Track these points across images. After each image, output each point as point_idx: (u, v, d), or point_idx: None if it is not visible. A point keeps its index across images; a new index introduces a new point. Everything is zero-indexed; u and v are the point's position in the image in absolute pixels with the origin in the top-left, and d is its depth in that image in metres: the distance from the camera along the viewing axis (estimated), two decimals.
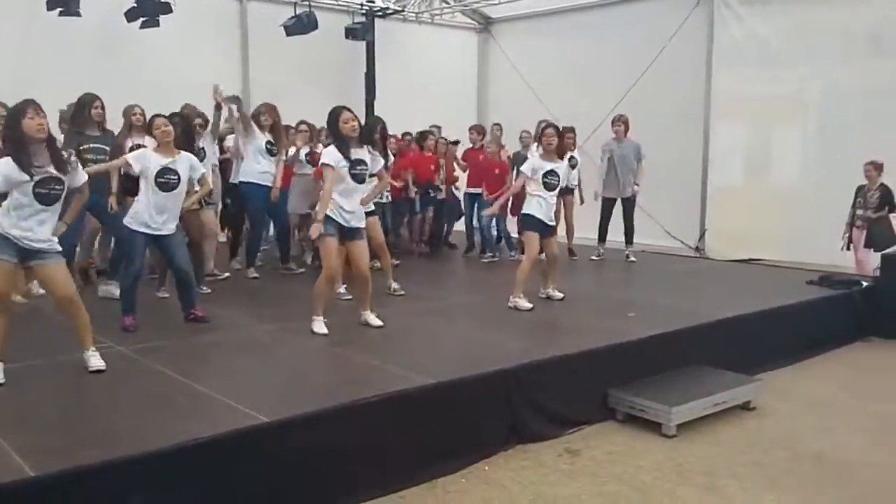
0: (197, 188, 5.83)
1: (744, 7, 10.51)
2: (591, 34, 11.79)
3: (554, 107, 11.03)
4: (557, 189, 6.61)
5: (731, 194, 10.83)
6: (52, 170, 4.24)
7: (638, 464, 4.48)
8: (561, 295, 6.87)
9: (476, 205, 9.70)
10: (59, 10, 8.73)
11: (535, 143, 8.95)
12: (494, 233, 9.75)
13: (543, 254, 6.69)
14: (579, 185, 9.42)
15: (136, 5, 9.29)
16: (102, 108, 6.48)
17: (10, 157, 4.13)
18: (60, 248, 4.44)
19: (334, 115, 5.49)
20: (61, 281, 4.41)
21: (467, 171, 9.90)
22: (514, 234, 10.44)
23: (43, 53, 8.90)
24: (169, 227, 5.59)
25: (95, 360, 4.54)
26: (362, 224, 5.66)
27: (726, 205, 10.76)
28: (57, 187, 4.28)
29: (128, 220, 5.56)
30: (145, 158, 5.52)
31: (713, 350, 5.85)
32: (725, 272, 9.22)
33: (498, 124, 10.44)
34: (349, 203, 5.48)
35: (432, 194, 9.58)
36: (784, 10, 10.11)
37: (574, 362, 5.05)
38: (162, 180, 5.48)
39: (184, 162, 5.61)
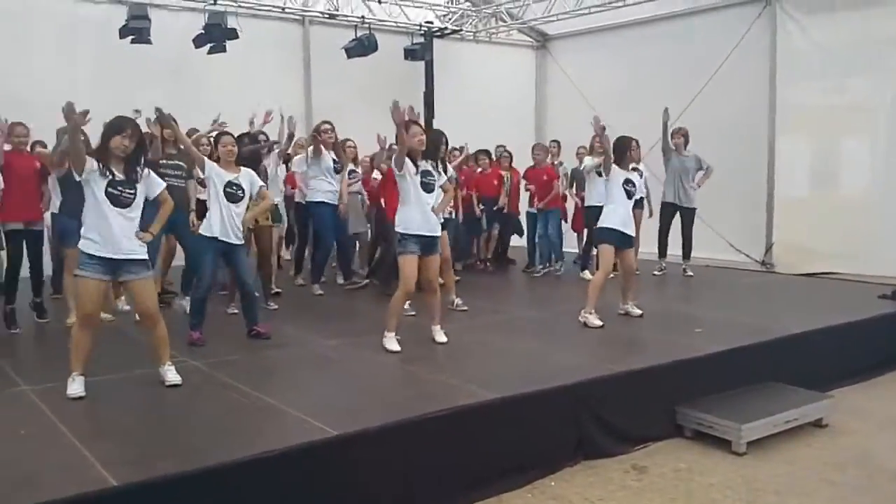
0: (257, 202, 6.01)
1: (807, 17, 10.32)
2: (650, 48, 11.73)
3: (612, 122, 10.93)
4: (633, 199, 6.58)
5: (798, 206, 10.59)
6: (123, 176, 4.49)
7: (708, 481, 4.41)
8: (640, 312, 6.76)
9: (539, 221, 9.64)
10: (131, 38, 9.09)
11: (588, 155, 9.00)
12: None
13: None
14: (647, 197, 9.31)
15: (203, 32, 9.61)
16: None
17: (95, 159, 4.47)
18: (150, 267, 4.67)
19: (406, 127, 5.59)
20: (149, 295, 4.64)
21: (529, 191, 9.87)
22: (571, 249, 10.45)
23: (116, 80, 9.26)
24: (238, 238, 5.79)
25: (172, 375, 4.70)
26: (437, 233, 5.70)
27: (794, 217, 10.52)
28: (128, 191, 4.48)
29: (202, 230, 5.81)
30: (213, 169, 5.80)
31: (783, 366, 5.72)
32: (793, 286, 9.01)
33: (556, 141, 10.43)
34: (423, 215, 5.57)
35: (494, 208, 9.60)
36: (849, 19, 9.90)
37: (641, 378, 5.00)
38: (230, 191, 5.74)
39: (245, 177, 5.87)
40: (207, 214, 5.85)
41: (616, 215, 6.46)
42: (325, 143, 7.75)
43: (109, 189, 4.42)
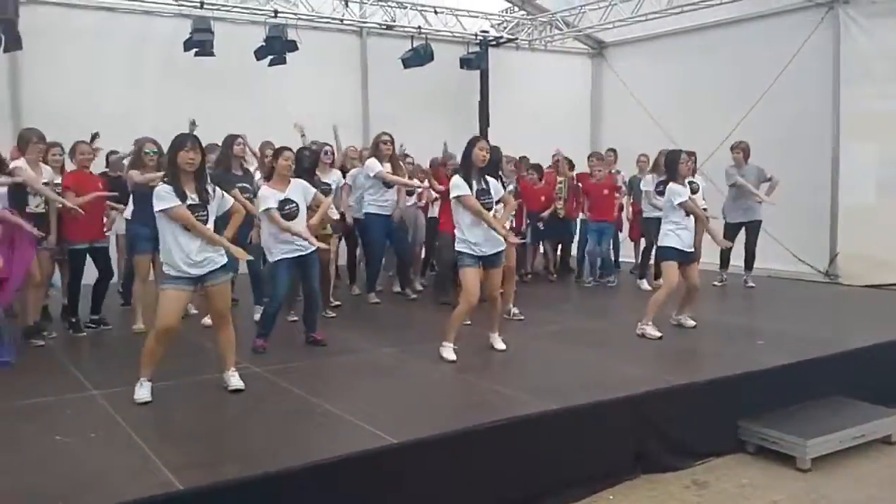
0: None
1: (872, 21, 10.02)
2: (709, 54, 11.53)
3: (670, 130, 10.85)
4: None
5: (864, 216, 10.26)
6: (196, 198, 4.58)
7: (771, 498, 4.32)
8: (693, 323, 6.68)
9: (592, 234, 9.55)
10: (195, 50, 9.33)
11: (650, 173, 8.88)
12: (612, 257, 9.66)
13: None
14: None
15: (264, 44, 9.82)
16: (243, 145, 6.90)
17: (168, 184, 4.55)
18: (231, 270, 4.82)
19: (472, 142, 5.64)
20: (223, 298, 4.78)
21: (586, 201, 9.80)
22: (628, 259, 10.33)
23: (180, 91, 9.51)
24: (304, 247, 5.84)
25: (235, 380, 4.81)
26: (498, 248, 5.69)
27: (860, 227, 10.19)
28: (201, 214, 4.59)
29: (271, 255, 5.88)
30: (266, 198, 5.79)
31: (849, 381, 5.56)
32: (859, 298, 8.76)
33: (612, 150, 10.36)
34: (476, 233, 5.56)
35: (542, 227, 9.54)
36: None
37: (702, 391, 4.92)
38: (285, 211, 5.77)
39: (297, 189, 5.87)
40: (270, 235, 5.86)
41: (675, 235, 6.37)
42: (381, 155, 7.82)
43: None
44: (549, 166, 9.83)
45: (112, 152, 7.64)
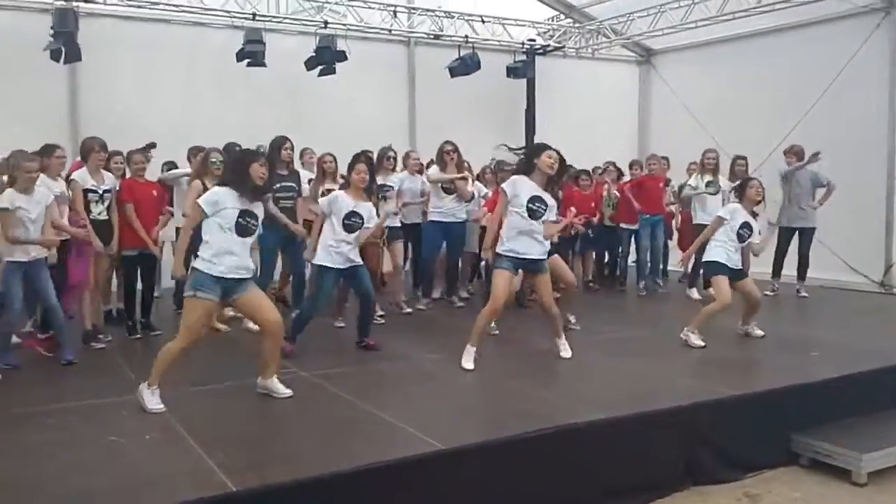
0: (369, 225, 6.10)
1: None
2: (760, 61, 11.36)
3: (720, 136, 10.68)
4: (745, 243, 6.41)
5: None
6: (250, 205, 4.66)
7: None
8: (762, 333, 6.58)
9: (642, 232, 9.45)
10: (247, 61, 9.52)
11: (697, 172, 8.81)
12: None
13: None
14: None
15: (314, 55, 9.97)
16: (291, 148, 6.99)
17: (229, 188, 4.61)
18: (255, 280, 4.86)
19: (541, 148, 5.59)
20: (268, 306, 4.81)
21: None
22: (674, 268, 10.19)
23: (232, 101, 9.71)
24: (352, 259, 5.93)
25: (282, 388, 4.85)
26: (541, 256, 5.66)
27: None
28: (252, 222, 4.68)
29: (319, 259, 5.94)
30: (337, 202, 5.91)
31: None
32: None
33: (664, 158, 10.25)
34: (521, 242, 5.55)
35: (591, 234, 9.47)
36: None
37: (754, 402, 4.85)
38: (349, 222, 5.87)
39: (368, 209, 6.00)
40: (322, 240, 5.97)
41: (724, 251, 6.29)
42: (446, 164, 7.92)
43: (240, 220, 4.60)
44: (599, 174, 9.77)
45: (167, 163, 7.82)
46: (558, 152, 5.56)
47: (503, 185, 5.72)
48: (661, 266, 9.66)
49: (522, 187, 5.54)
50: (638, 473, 4.38)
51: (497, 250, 5.64)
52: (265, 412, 4.70)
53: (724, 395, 4.86)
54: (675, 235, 10.30)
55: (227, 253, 4.56)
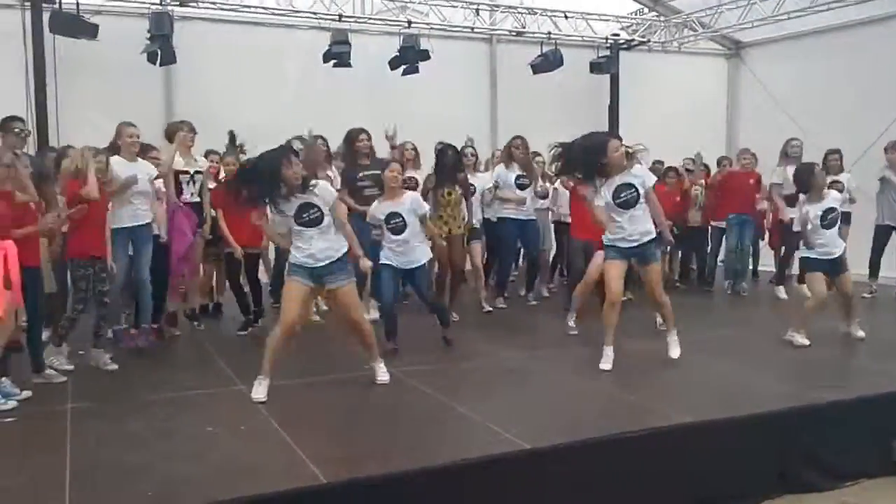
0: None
1: None
2: (857, 53, 10.88)
3: (812, 132, 10.29)
4: (835, 227, 6.17)
5: None
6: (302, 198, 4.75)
7: None
8: (862, 334, 6.35)
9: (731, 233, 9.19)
10: (333, 62, 9.70)
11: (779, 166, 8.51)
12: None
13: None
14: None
15: (398, 54, 10.08)
16: (368, 138, 7.07)
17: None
18: (353, 275, 4.95)
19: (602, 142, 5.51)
20: (352, 303, 4.92)
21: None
22: (766, 267, 9.88)
23: (318, 100, 9.90)
24: (411, 261, 5.95)
25: (382, 373, 5.02)
26: (644, 240, 5.53)
27: None
28: (314, 212, 4.77)
29: (381, 256, 6.02)
30: (375, 213, 5.98)
31: None
32: None
33: (752, 153, 9.96)
34: (627, 224, 5.47)
35: (676, 232, 9.22)
36: None
37: (852, 409, 4.66)
38: (391, 225, 5.91)
39: (405, 204, 5.94)
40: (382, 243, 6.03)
41: (817, 245, 6.10)
42: (515, 158, 7.86)
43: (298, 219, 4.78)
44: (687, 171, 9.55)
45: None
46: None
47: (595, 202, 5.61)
48: (748, 269, 9.36)
49: (605, 191, 5.47)
50: (729, 480, 4.28)
51: (604, 240, 5.60)
52: (354, 406, 4.78)
53: (821, 400, 4.69)
54: (767, 235, 9.91)
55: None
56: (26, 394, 4.78)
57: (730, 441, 4.32)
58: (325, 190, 4.87)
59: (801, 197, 6.29)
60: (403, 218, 5.90)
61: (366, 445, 4.04)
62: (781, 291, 8.60)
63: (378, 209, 5.98)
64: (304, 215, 4.74)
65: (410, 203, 5.96)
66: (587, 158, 5.47)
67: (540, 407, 4.79)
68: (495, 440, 4.00)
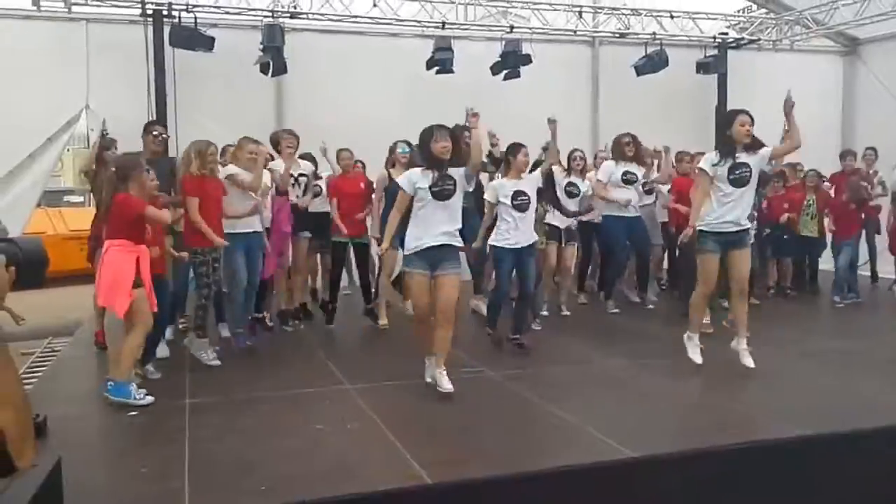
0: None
1: None
2: None
3: None
4: None
5: None
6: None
7: None
8: None
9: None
10: (436, 69, 9.84)
11: None
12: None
13: None
14: None
15: (500, 59, 10.11)
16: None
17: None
18: (459, 265, 5.06)
19: (734, 113, 5.72)
20: (447, 293, 4.96)
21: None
22: (887, 274, 9.39)
23: (421, 106, 10.03)
24: (527, 239, 6.03)
25: (445, 382, 4.95)
26: (744, 225, 5.48)
27: None
28: (448, 184, 4.93)
29: (493, 241, 6.09)
30: (501, 188, 6.06)
31: None
32: None
33: (872, 149, 9.51)
34: (734, 205, 5.41)
35: (786, 237, 8.89)
36: None
37: None
38: (517, 202, 5.96)
39: (532, 181, 6.09)
40: (497, 225, 6.11)
41: None
42: (623, 155, 7.75)
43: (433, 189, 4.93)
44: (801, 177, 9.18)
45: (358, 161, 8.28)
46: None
47: (702, 165, 5.58)
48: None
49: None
50: (846, 498, 4.10)
51: (699, 227, 5.50)
52: (455, 409, 4.84)
53: None
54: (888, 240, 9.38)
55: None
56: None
57: (847, 457, 4.13)
58: None
59: None
60: (529, 197, 6.03)
61: (469, 447, 4.11)
62: None
63: (504, 186, 6.07)
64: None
65: (535, 181, 6.15)
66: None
67: (642, 415, 4.74)
68: (596, 447, 4.01)
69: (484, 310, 6.92)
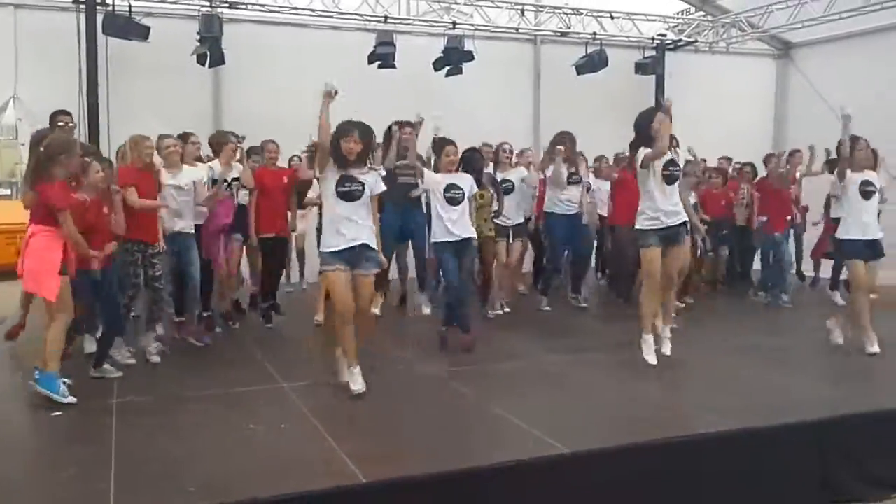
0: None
1: None
2: None
3: (867, 135, 10.03)
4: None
5: None
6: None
7: None
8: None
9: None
10: (378, 63, 9.77)
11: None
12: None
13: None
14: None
15: (442, 55, 10.11)
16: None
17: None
18: (378, 263, 4.99)
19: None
20: (366, 295, 4.94)
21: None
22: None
23: (363, 101, 9.91)
24: (465, 234, 6.07)
25: (355, 382, 4.89)
26: (680, 220, 5.57)
27: None
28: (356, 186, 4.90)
29: (434, 238, 6.14)
30: (433, 181, 6.10)
31: None
32: None
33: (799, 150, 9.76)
34: (664, 202, 5.51)
35: (725, 231, 9.11)
36: None
37: None
38: (449, 195, 6.01)
39: (466, 180, 6.15)
40: (433, 220, 6.17)
41: (855, 224, 5.99)
42: (562, 155, 7.78)
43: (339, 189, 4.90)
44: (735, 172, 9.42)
45: (295, 156, 8.18)
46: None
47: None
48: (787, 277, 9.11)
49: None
50: (770, 489, 4.21)
51: (637, 226, 5.62)
52: (391, 406, 4.82)
53: (867, 409, 4.59)
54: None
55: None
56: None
57: (772, 449, 4.25)
58: None
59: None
60: (463, 192, 6.05)
61: (404, 444, 4.08)
62: (837, 297, 8.37)
63: (436, 179, 6.08)
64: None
65: (470, 181, 6.18)
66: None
67: (577, 410, 4.76)
68: (532, 443, 4.00)
69: (428, 309, 6.88)
